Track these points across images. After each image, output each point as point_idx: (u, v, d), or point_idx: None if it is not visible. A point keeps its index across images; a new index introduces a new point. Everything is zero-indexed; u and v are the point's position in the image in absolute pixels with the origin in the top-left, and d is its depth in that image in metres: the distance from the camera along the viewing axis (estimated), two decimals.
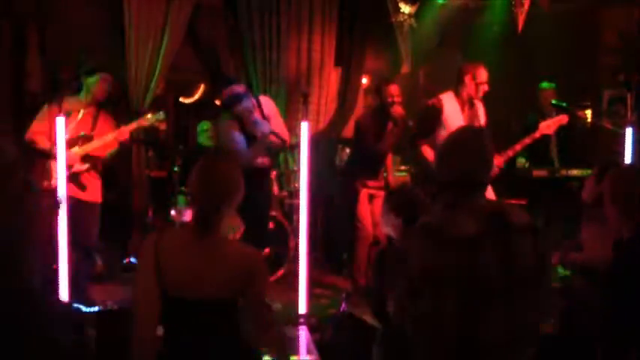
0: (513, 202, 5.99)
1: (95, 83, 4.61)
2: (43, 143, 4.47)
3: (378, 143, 5.07)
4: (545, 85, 5.68)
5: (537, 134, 4.92)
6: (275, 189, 5.79)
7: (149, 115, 4.85)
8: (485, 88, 4.71)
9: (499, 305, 2.04)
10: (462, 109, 4.75)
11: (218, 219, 2.35)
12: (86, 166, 4.59)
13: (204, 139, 6.10)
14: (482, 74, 4.69)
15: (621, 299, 2.50)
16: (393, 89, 5.05)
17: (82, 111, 4.62)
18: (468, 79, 4.67)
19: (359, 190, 5.16)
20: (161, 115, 4.88)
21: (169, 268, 2.32)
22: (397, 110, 4.97)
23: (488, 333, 2.04)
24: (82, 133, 4.58)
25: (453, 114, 4.69)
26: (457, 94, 4.74)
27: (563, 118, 4.99)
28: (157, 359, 2.37)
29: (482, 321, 2.05)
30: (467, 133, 2.47)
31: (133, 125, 4.74)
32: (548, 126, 4.97)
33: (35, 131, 4.50)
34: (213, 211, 2.33)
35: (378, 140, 5.09)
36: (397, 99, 5.00)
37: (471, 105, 4.78)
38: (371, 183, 5.21)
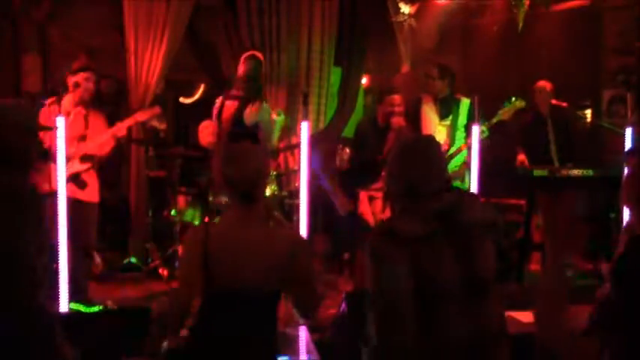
0: (512, 202, 6.00)
1: (79, 82, 4.58)
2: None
3: (376, 153, 5.11)
4: (542, 84, 5.67)
5: (494, 121, 4.91)
6: (275, 189, 5.77)
7: (145, 110, 4.84)
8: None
9: (455, 307, 2.03)
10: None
11: (256, 198, 2.37)
12: (86, 166, 4.58)
13: (205, 135, 6.05)
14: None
15: (627, 297, 2.47)
16: (394, 99, 5.05)
17: (72, 111, 4.57)
18: None
19: (359, 191, 5.19)
20: (157, 109, 4.88)
21: (217, 256, 2.32)
22: (397, 121, 4.96)
23: (444, 335, 2.02)
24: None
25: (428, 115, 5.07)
26: None
27: (520, 103, 4.97)
28: (184, 352, 2.39)
29: (437, 323, 2.03)
30: (412, 141, 2.36)
31: (130, 121, 4.72)
32: (504, 112, 4.94)
33: None
34: (250, 192, 2.34)
35: (377, 149, 5.12)
36: (397, 109, 4.99)
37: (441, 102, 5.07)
38: (370, 185, 5.24)
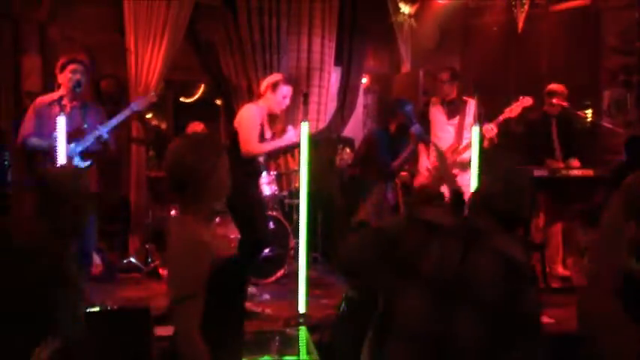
0: None
1: (62, 73, 4.44)
2: (37, 142, 4.39)
3: (393, 161, 5.21)
4: (560, 89, 5.54)
5: (501, 118, 4.96)
6: (275, 189, 5.78)
7: (141, 99, 4.83)
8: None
9: (429, 300, 1.98)
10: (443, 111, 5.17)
11: (179, 201, 2.23)
12: (88, 162, 4.53)
13: None
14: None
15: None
16: (413, 109, 5.18)
17: (67, 106, 4.43)
18: None
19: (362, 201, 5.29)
20: (153, 97, 4.85)
21: None
22: (418, 129, 5.04)
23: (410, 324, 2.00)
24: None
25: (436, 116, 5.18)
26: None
27: (527, 100, 5.02)
28: None
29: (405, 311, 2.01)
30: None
31: (127, 111, 4.68)
32: (511, 110, 5.02)
33: (26, 133, 4.43)
34: (169, 191, 2.31)
35: (393, 157, 5.22)
36: (415, 119, 5.12)
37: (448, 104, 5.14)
38: (373, 194, 5.34)
